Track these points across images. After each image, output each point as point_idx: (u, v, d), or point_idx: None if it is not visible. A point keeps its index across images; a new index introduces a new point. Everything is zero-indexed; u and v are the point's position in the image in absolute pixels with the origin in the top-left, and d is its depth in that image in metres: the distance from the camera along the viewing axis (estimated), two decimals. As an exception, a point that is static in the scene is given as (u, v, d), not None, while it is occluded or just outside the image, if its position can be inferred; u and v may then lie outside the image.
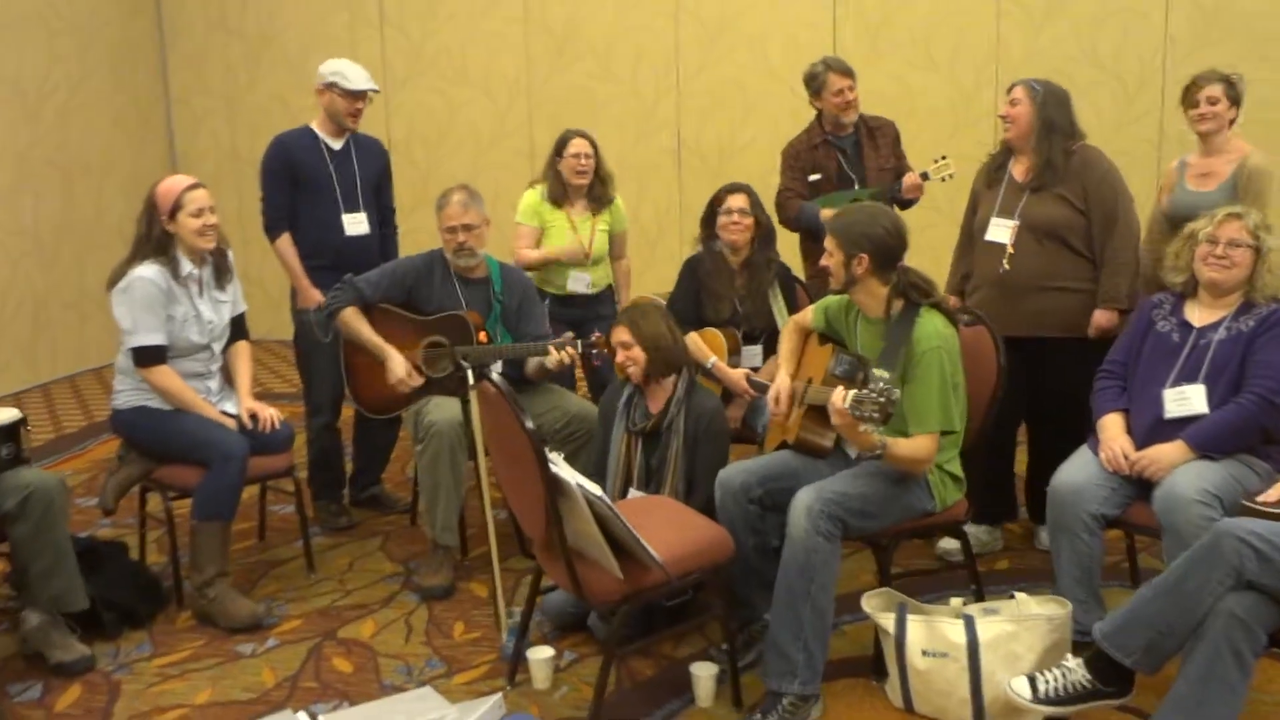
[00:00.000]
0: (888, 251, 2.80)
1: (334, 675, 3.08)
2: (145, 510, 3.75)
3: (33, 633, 3.13)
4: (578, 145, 4.24)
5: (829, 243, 2.84)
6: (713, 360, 3.69)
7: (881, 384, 2.45)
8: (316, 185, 4.00)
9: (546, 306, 4.05)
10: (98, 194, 7.40)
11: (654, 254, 6.95)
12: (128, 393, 3.46)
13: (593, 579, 2.54)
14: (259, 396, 3.69)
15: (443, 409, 3.54)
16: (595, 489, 2.45)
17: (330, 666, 3.13)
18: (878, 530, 2.81)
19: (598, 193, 4.32)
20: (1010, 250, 3.48)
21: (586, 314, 4.34)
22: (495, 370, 3.74)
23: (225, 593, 3.40)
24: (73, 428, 5.94)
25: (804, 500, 2.67)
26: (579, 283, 4.33)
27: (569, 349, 3.56)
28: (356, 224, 4.08)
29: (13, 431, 3.10)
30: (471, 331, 3.69)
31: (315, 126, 4.08)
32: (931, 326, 2.77)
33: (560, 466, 2.48)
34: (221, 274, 3.55)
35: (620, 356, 3.27)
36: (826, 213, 4.09)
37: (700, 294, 3.85)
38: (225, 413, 3.50)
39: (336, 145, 4.07)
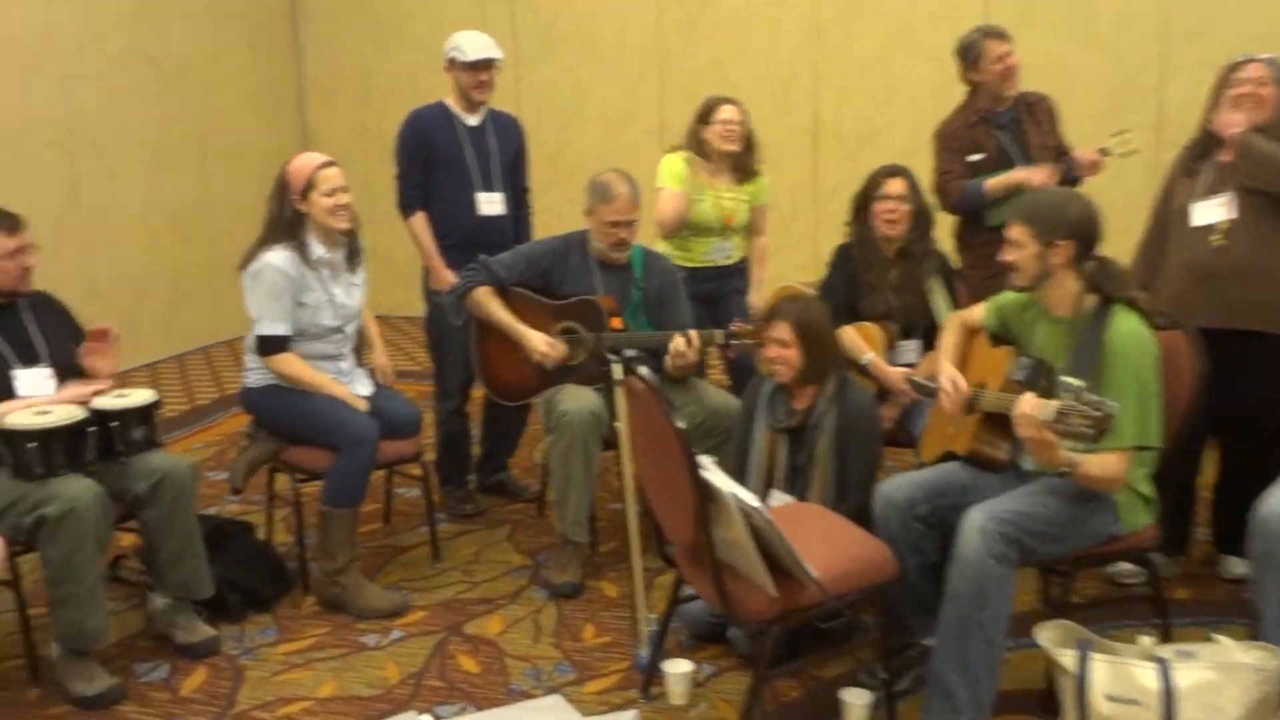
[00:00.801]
0: (1086, 239, 2.51)
1: (459, 675, 2.95)
2: (273, 490, 3.69)
3: (159, 614, 3.09)
4: (727, 111, 3.99)
5: (1018, 232, 2.55)
6: (869, 356, 3.43)
7: (1093, 395, 2.17)
8: (451, 163, 3.87)
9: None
10: (232, 171, 7.48)
11: (786, 236, 6.68)
12: (258, 371, 3.39)
13: (742, 595, 2.33)
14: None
15: (576, 398, 3.38)
16: (752, 499, 2.24)
17: (456, 665, 3.00)
18: (1058, 555, 2.53)
19: (745, 162, 4.07)
20: (1226, 225, 3.11)
21: (720, 288, 4.09)
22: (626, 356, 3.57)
23: (357, 580, 3.31)
24: (205, 400, 6.00)
25: (977, 520, 2.41)
26: (719, 252, 4.09)
27: (690, 339, 3.35)
28: (491, 204, 3.93)
29: (147, 414, 3.04)
30: (604, 317, 3.52)
31: (450, 103, 3.95)
32: (1128, 326, 2.47)
33: (712, 472, 2.28)
34: (354, 256, 3.44)
35: (772, 353, 3.04)
36: (993, 181, 3.80)
37: (854, 285, 3.58)
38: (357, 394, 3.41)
39: (472, 121, 3.94)
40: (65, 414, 2.85)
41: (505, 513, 4.14)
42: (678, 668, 2.75)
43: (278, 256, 3.26)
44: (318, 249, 3.32)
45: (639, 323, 3.61)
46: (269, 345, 3.30)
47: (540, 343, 3.49)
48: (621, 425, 2.69)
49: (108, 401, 2.98)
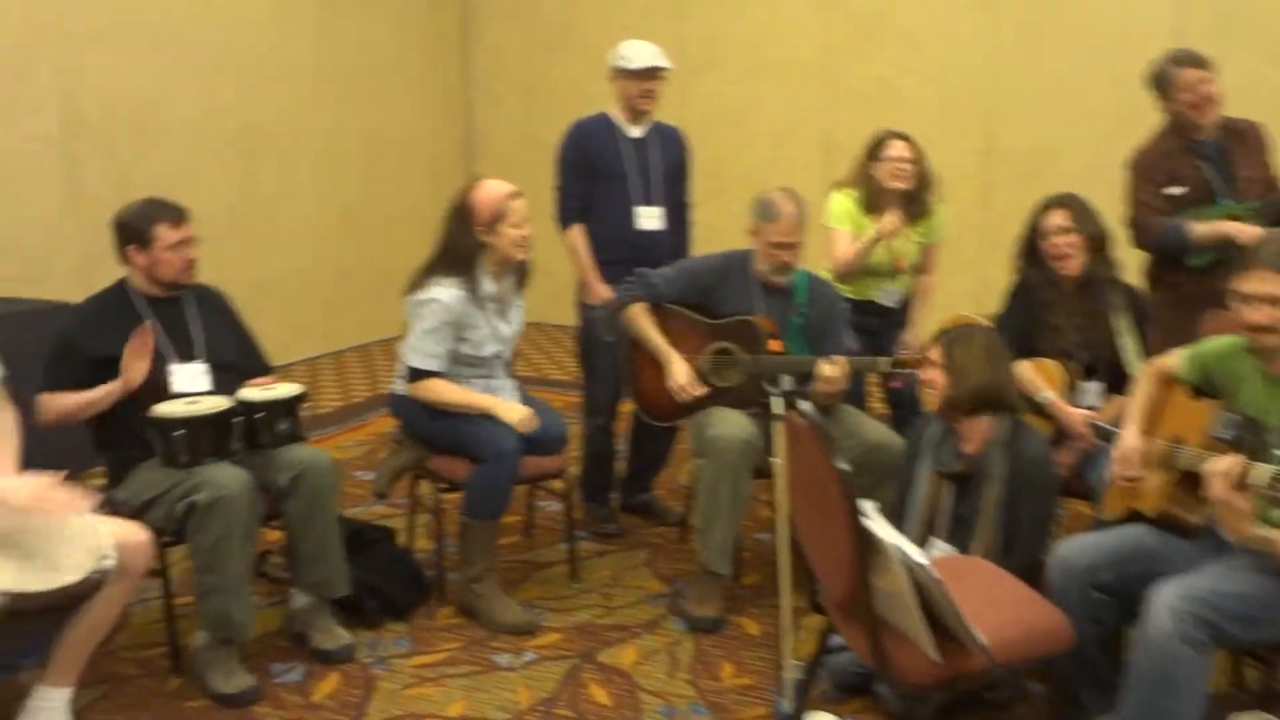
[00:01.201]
0: None
1: (590, 706, 2.84)
2: (416, 497, 3.67)
3: (299, 613, 3.09)
4: (898, 148, 3.79)
5: (1267, 281, 2.24)
6: (1048, 395, 3.17)
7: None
8: (612, 175, 3.79)
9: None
10: (399, 173, 7.65)
11: (953, 264, 6.36)
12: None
13: (901, 656, 2.14)
14: (533, 382, 3.53)
15: (729, 423, 3.24)
16: (918, 554, 2.05)
17: (587, 695, 2.90)
18: (1259, 641, 2.25)
19: (917, 200, 3.86)
20: None
21: (884, 323, 3.92)
22: (784, 386, 3.41)
23: (493, 591, 3.25)
24: (359, 398, 6.10)
25: (1168, 598, 2.16)
26: (886, 296, 3.91)
27: (839, 363, 3.17)
28: (651, 218, 3.83)
29: (292, 407, 3.05)
30: (762, 339, 3.37)
31: (613, 114, 3.87)
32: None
33: (875, 520, 2.10)
34: (522, 280, 3.42)
35: (925, 375, 2.86)
36: (1201, 228, 3.48)
37: (1033, 321, 3.32)
38: None
39: (636, 134, 3.85)
40: (213, 404, 2.87)
41: (646, 535, 4.02)
42: (821, 721, 2.58)
43: (447, 294, 3.20)
44: (488, 285, 3.28)
45: (798, 350, 3.45)
46: (417, 376, 3.28)
47: (682, 375, 3.37)
48: (778, 460, 2.53)
49: (254, 393, 3.00)
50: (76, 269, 5.27)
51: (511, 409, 3.24)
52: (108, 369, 2.86)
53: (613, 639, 3.20)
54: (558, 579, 3.62)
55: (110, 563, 2.28)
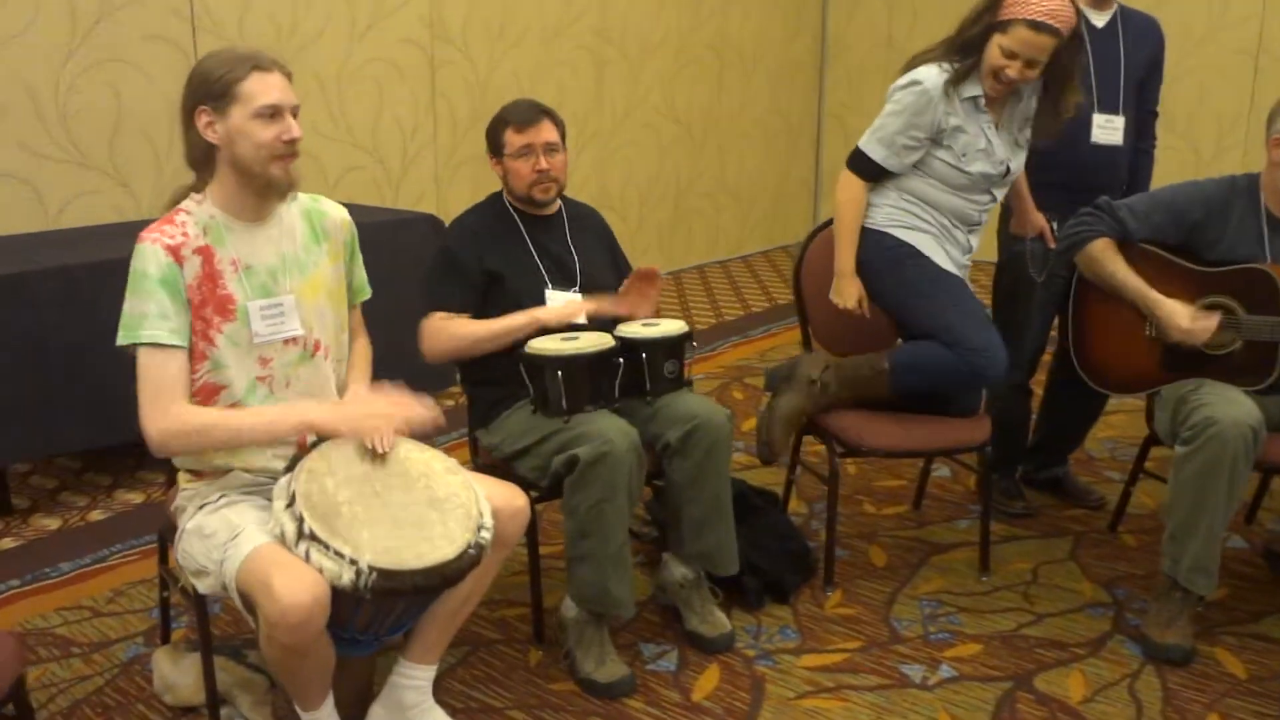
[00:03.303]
0: None
1: (1038, 754, 2.23)
2: (799, 455, 3.14)
3: (673, 586, 2.64)
4: None
5: None
6: None
7: None
8: (1067, 73, 3.02)
9: None
10: (746, 81, 7.08)
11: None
12: (883, 209, 2.83)
13: None
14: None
15: (1231, 402, 2.45)
16: None
17: (1030, 736, 2.28)
18: None
19: None
20: None
21: None
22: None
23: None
24: (703, 324, 5.67)
25: None
26: None
27: None
28: (1110, 130, 3.03)
29: (678, 347, 2.56)
30: (1276, 294, 2.54)
31: (1072, -6, 3.08)
32: None
33: None
34: (1023, 107, 2.83)
35: None
36: None
37: None
38: None
39: (1099, 22, 3.04)
40: (593, 341, 2.44)
41: (1062, 519, 3.31)
42: None
43: (931, 77, 2.69)
44: (973, 87, 2.70)
45: (1319, 308, 2.59)
46: (858, 162, 2.80)
47: (1184, 316, 2.60)
48: None
49: (636, 330, 2.53)
50: (433, 178, 5.11)
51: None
52: (492, 286, 2.52)
53: (1049, 660, 2.55)
54: (963, 568, 3.00)
55: (488, 534, 1.89)
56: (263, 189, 1.94)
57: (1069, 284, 2.91)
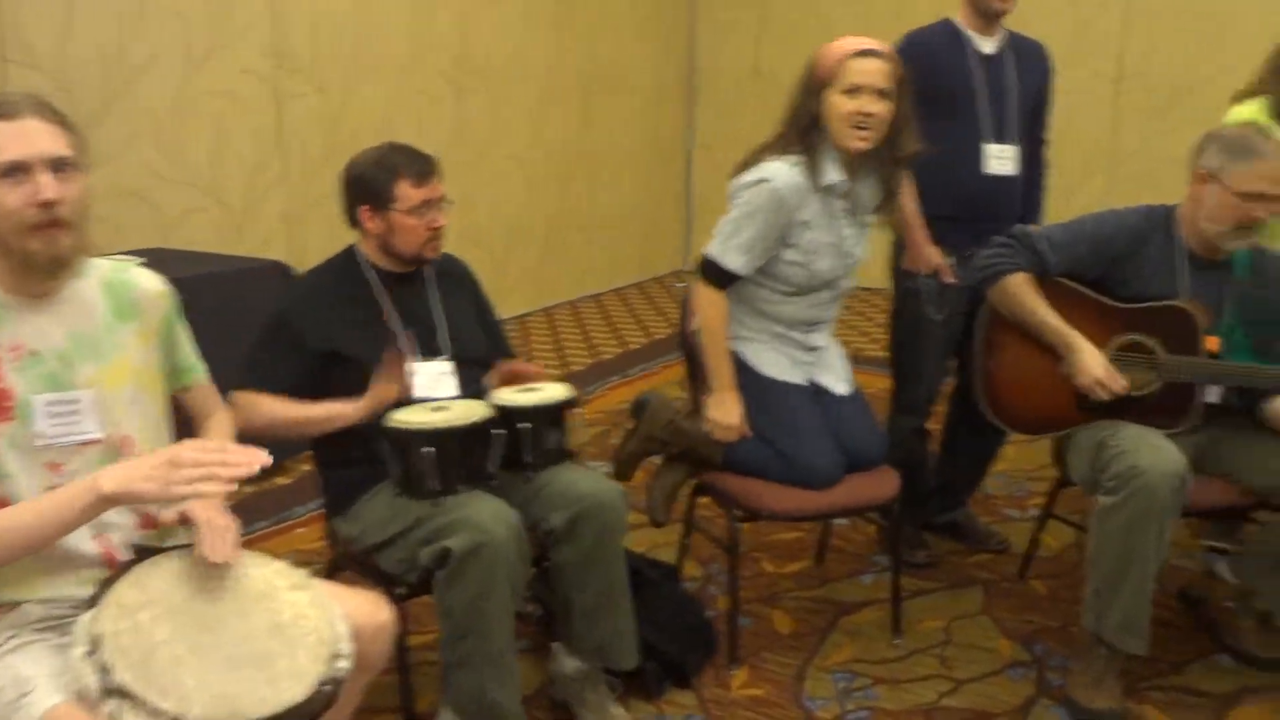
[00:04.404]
0: None
1: None
2: (694, 516, 2.90)
3: (564, 679, 2.35)
4: None
5: None
6: None
7: None
8: (957, 103, 2.87)
9: None
10: (613, 111, 6.88)
11: (1069, 205, 5.25)
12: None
13: None
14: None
15: (1154, 448, 2.31)
16: None
17: (968, 832, 2.07)
18: None
19: None
20: None
21: None
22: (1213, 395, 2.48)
23: None
24: (579, 365, 5.39)
25: None
26: None
27: None
28: (1003, 160, 2.90)
29: (560, 415, 2.29)
30: (1196, 335, 2.42)
31: (958, 20, 2.94)
32: None
33: None
34: (889, 186, 2.59)
35: None
36: None
37: None
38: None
39: (989, 48, 2.91)
40: (467, 411, 2.14)
41: (969, 567, 3.15)
42: None
43: (780, 174, 2.42)
44: (832, 173, 2.46)
45: (1235, 345, 2.48)
46: (712, 273, 2.52)
47: (1097, 366, 2.44)
48: None
49: (514, 397, 2.25)
50: (282, 218, 4.72)
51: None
52: (332, 364, 2.17)
53: (977, 735, 2.36)
54: (873, 630, 2.79)
55: (345, 664, 1.57)
56: (23, 266, 1.57)
57: (970, 320, 2.76)
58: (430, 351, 2.28)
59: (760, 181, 2.43)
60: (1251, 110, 2.89)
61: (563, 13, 6.31)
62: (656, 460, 2.76)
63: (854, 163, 2.47)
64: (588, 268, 6.96)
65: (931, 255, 2.93)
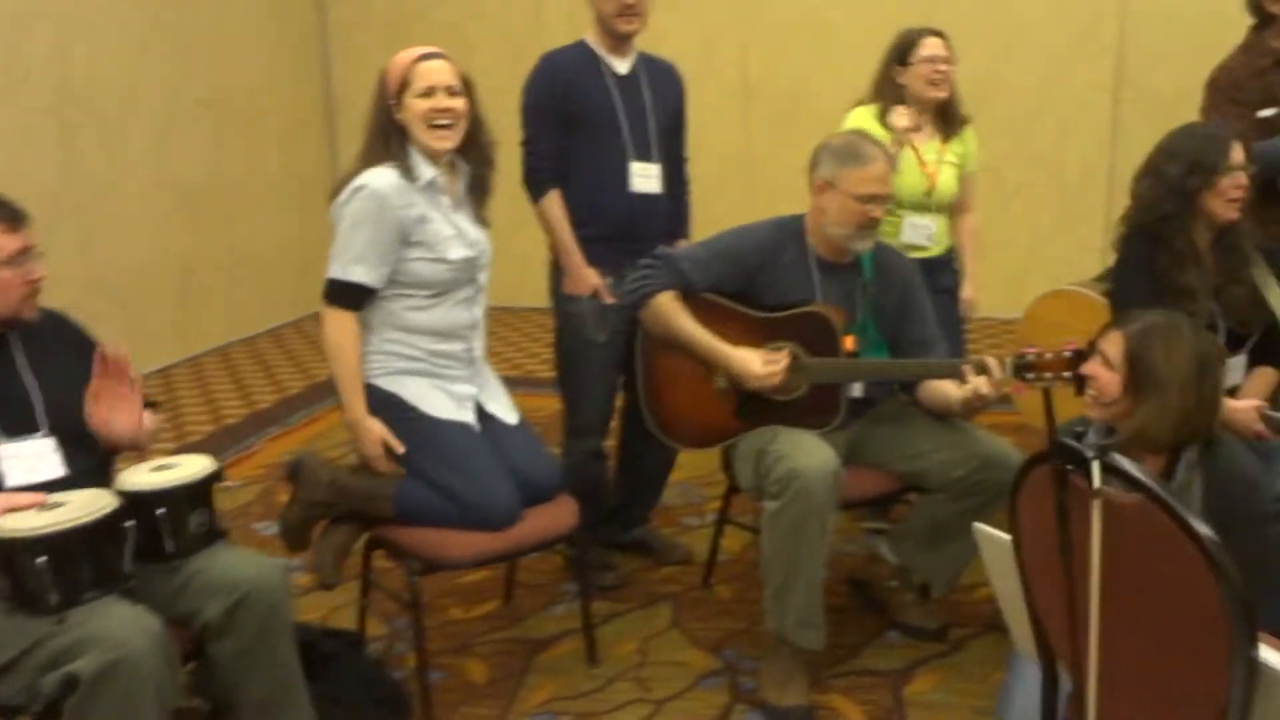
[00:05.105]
0: None
1: None
2: (369, 571, 2.71)
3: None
4: (933, 46, 3.07)
5: None
6: None
7: None
8: (598, 124, 2.87)
9: None
10: (249, 142, 6.46)
11: (712, 210, 5.74)
12: (377, 355, 2.48)
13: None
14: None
15: (809, 451, 2.41)
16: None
17: None
18: None
19: (951, 113, 3.15)
20: None
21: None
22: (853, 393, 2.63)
23: None
24: (233, 417, 4.98)
25: None
26: (918, 232, 3.14)
27: (991, 371, 2.42)
28: (647, 178, 2.94)
29: (202, 493, 2.05)
30: (835, 336, 2.55)
31: (591, 41, 2.95)
32: None
33: (1272, 654, 1.31)
34: (479, 187, 2.60)
35: (1090, 369, 2.09)
36: None
37: (1159, 288, 2.60)
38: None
39: (622, 69, 2.94)
40: (87, 504, 1.86)
41: (656, 582, 3.18)
42: None
43: (377, 179, 2.39)
44: (425, 169, 2.44)
45: (869, 341, 2.65)
46: (338, 295, 2.42)
47: (756, 363, 2.52)
48: (1094, 549, 1.62)
49: (145, 479, 1.99)
50: None
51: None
52: None
53: (680, 754, 2.36)
54: (570, 663, 2.74)
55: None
56: None
57: (632, 339, 2.78)
58: (24, 428, 1.97)
59: (357, 190, 2.38)
60: (862, 116, 3.12)
61: (181, 39, 5.83)
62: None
63: (443, 162, 2.47)
64: (236, 310, 6.46)
65: (588, 277, 2.92)
